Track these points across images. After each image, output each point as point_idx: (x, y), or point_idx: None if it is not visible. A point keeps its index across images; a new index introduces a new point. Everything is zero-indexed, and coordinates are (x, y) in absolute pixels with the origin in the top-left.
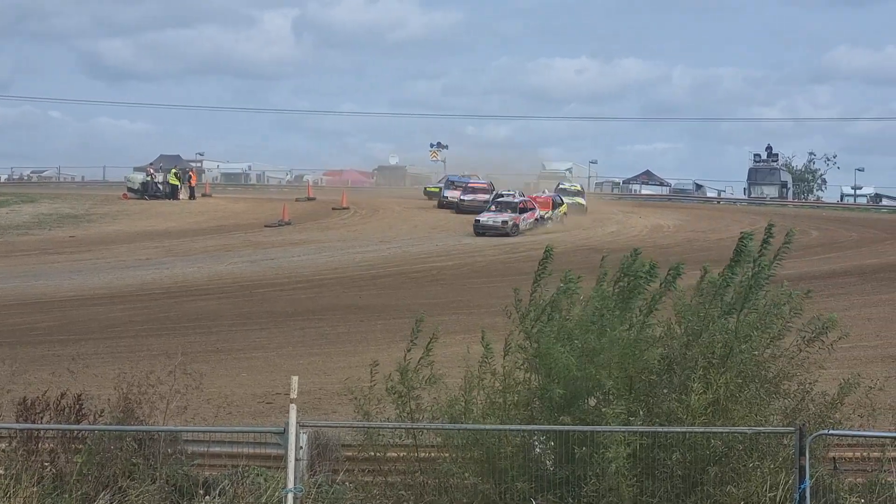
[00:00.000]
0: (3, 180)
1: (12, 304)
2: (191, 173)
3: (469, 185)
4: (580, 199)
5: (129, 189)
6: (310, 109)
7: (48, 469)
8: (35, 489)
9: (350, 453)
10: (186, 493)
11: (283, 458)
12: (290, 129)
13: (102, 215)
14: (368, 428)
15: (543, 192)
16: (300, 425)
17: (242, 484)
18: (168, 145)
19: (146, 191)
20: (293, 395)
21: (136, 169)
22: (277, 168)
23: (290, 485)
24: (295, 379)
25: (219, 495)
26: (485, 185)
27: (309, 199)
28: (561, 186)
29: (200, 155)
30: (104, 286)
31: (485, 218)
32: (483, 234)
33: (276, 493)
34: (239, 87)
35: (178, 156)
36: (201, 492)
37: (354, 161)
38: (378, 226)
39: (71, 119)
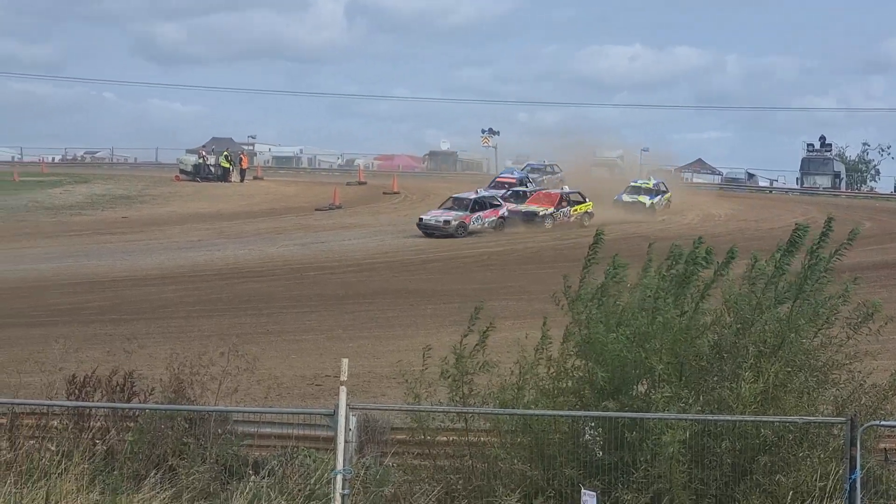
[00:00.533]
0: (57, 161)
1: (66, 283)
2: (242, 156)
3: (498, 179)
4: (644, 198)
5: (182, 171)
6: (361, 94)
7: (99, 446)
8: (86, 466)
9: (399, 436)
10: (236, 473)
11: (332, 440)
12: (342, 113)
13: (155, 197)
14: (418, 411)
15: (563, 188)
16: (350, 407)
17: (291, 465)
18: (220, 128)
19: (198, 173)
20: (343, 377)
21: (189, 151)
22: (329, 152)
23: (339, 466)
24: (345, 361)
25: (268, 475)
26: (512, 180)
27: (360, 183)
28: (633, 184)
29: (252, 138)
30: (156, 267)
31: (428, 216)
32: (431, 235)
33: (325, 475)
34: (291, 71)
35: (230, 138)
36: (250, 472)
37: (405, 146)
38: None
39: (124, 101)
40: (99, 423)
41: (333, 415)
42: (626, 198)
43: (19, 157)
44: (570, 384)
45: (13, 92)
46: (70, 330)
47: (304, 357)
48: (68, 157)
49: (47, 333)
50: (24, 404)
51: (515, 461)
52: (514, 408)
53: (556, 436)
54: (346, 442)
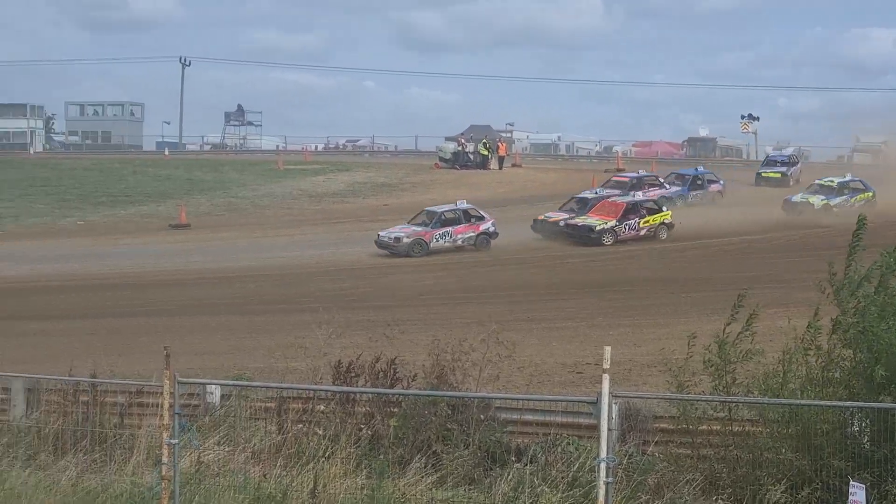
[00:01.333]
0: (319, 149)
1: (329, 270)
2: (500, 143)
3: (614, 178)
4: (816, 198)
5: (441, 159)
6: (619, 80)
7: (364, 431)
8: (352, 450)
9: (662, 425)
10: (499, 460)
11: (594, 428)
12: (600, 99)
13: (415, 184)
14: (682, 400)
15: (633, 195)
16: (612, 395)
17: (553, 452)
18: (478, 116)
19: (457, 160)
20: (606, 364)
21: (448, 139)
22: (587, 139)
23: (603, 454)
24: (608, 349)
25: (530, 462)
26: (626, 179)
27: (618, 170)
28: (818, 182)
29: (510, 125)
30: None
31: (384, 232)
32: (397, 254)
33: (588, 463)
34: (548, 57)
35: (489, 126)
36: (513, 458)
37: (664, 132)
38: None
39: (385, 90)
40: (364, 409)
41: (596, 403)
42: (795, 198)
43: (284, 145)
44: (838, 374)
45: (277, 82)
46: (333, 316)
47: (564, 344)
48: (330, 146)
49: (311, 319)
50: (292, 388)
51: (783, 451)
52: (777, 397)
53: (824, 426)
54: (609, 430)
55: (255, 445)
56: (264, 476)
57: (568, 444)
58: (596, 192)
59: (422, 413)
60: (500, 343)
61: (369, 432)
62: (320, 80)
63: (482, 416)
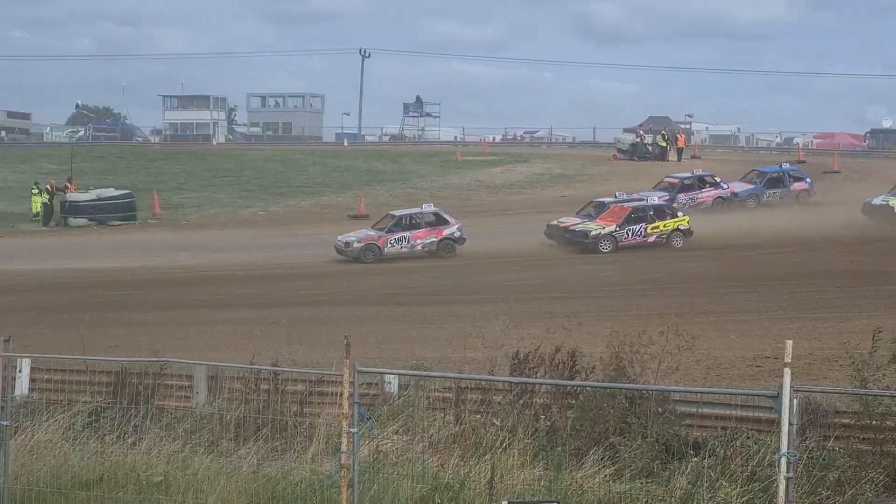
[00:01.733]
0: (497, 140)
1: (504, 261)
2: (679, 135)
3: (666, 178)
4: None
5: (619, 150)
6: (800, 71)
7: (542, 422)
8: (529, 441)
9: (843, 420)
10: (676, 453)
11: (772, 423)
12: (781, 90)
13: (592, 176)
14: (865, 395)
15: (677, 197)
16: (793, 390)
17: (732, 446)
18: (657, 107)
19: (635, 152)
20: (787, 358)
21: (626, 130)
22: (767, 130)
23: (784, 449)
24: (789, 343)
25: (708, 456)
26: (676, 181)
27: (799, 161)
28: None
29: (689, 117)
30: None
31: (341, 236)
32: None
33: (767, 457)
34: (728, 48)
35: (667, 117)
36: (691, 452)
37: (846, 124)
38: (868, 190)
39: (563, 81)
40: (541, 400)
41: (777, 397)
42: (876, 200)
43: (462, 137)
44: None
45: (456, 73)
46: (510, 307)
47: (743, 337)
48: (508, 137)
49: (488, 310)
50: (469, 379)
51: None
52: None
53: None
54: (790, 424)
55: (432, 435)
56: (442, 466)
57: (747, 437)
58: (616, 196)
59: (599, 405)
60: (678, 335)
61: (547, 423)
62: (499, 71)
63: (660, 409)
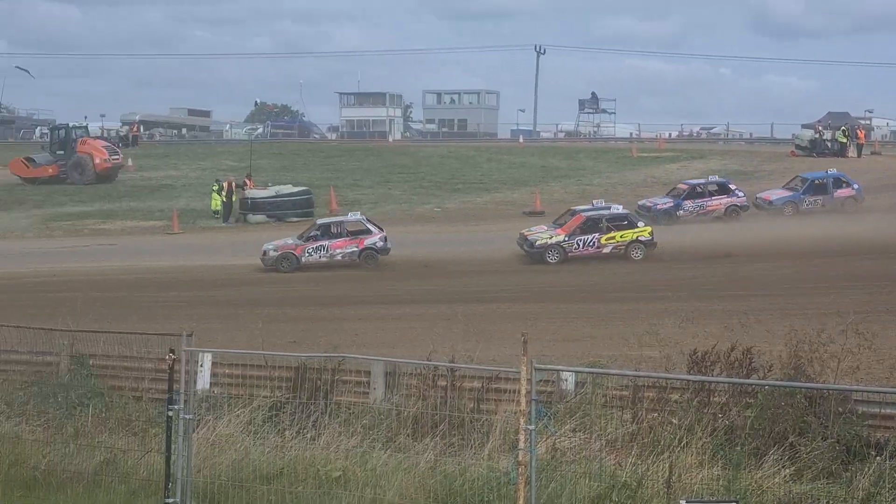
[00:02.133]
0: (673, 136)
1: (678, 257)
2: (859, 131)
3: (680, 185)
4: None
5: (797, 146)
6: None
7: (720, 421)
8: (707, 440)
9: None
10: (857, 454)
11: None
12: None
13: (769, 172)
14: None
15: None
16: None
17: None
18: (836, 102)
19: (814, 148)
20: None
21: (804, 126)
22: None
23: None
24: None
25: (890, 457)
26: (686, 187)
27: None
28: None
29: (869, 112)
30: (772, 241)
31: (266, 244)
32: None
33: None
34: None
35: (847, 113)
36: (872, 452)
37: None
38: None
39: (740, 76)
40: (719, 399)
41: None
42: None
43: (637, 133)
44: None
45: (632, 69)
46: (685, 305)
47: None
48: (685, 133)
49: (664, 308)
50: (646, 377)
51: None
52: None
53: None
54: None
55: (609, 433)
56: (619, 464)
57: None
58: (594, 205)
59: (778, 404)
60: (858, 334)
61: (725, 422)
62: (674, 67)
63: (840, 409)
